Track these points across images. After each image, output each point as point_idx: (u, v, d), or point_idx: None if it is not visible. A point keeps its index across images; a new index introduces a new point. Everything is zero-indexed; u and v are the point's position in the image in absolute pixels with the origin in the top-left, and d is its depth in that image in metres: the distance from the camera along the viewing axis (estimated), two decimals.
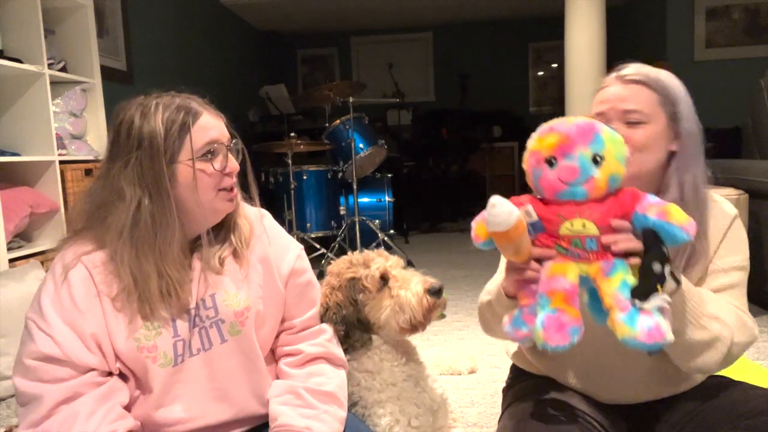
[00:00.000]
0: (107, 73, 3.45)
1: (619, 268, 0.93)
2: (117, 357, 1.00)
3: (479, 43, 7.99)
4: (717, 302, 1.07)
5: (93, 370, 0.97)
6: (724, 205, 1.18)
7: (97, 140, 3.14)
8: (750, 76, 3.66)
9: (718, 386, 1.12)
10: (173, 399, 1.02)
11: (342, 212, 4.52)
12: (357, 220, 4.23)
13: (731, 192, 2.44)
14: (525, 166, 1.02)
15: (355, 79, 7.79)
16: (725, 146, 4.42)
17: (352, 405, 1.23)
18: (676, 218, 0.91)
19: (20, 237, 2.62)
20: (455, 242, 5.14)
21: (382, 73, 6.12)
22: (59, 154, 2.75)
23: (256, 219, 1.14)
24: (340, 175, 4.48)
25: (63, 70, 2.93)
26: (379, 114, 6.87)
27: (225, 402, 1.06)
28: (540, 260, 0.99)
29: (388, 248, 4.54)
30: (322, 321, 1.21)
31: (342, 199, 4.62)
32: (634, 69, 1.14)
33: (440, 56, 8.14)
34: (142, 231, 0.97)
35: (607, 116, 1.12)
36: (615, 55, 4.30)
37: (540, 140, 0.99)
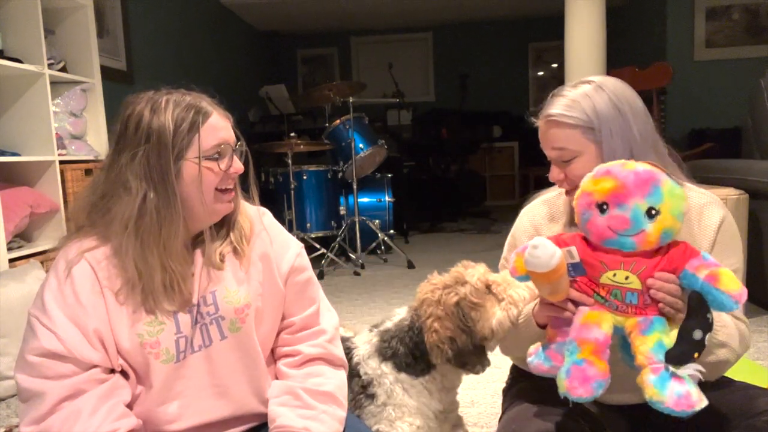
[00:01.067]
0: (107, 73, 3.45)
1: (656, 327, 0.91)
2: (119, 353, 1.00)
3: (479, 43, 7.99)
4: (725, 328, 1.06)
5: (96, 366, 0.97)
6: (710, 210, 1.15)
7: (97, 140, 3.14)
8: (750, 76, 3.66)
9: (718, 386, 1.12)
10: (174, 396, 1.02)
11: (342, 212, 4.52)
12: (357, 220, 4.23)
13: (731, 192, 2.44)
14: (575, 203, 0.99)
15: (355, 79, 7.79)
16: (725, 146, 4.42)
17: (383, 405, 1.23)
18: (726, 285, 0.88)
19: (20, 237, 2.62)
20: (455, 242, 5.14)
21: (382, 73, 6.12)
22: (59, 154, 2.75)
23: (256, 217, 1.15)
24: (340, 175, 4.48)
25: (63, 70, 2.93)
26: (379, 114, 6.88)
27: (224, 399, 1.06)
28: (576, 302, 0.98)
29: (388, 248, 4.54)
30: (434, 359, 1.18)
31: (342, 199, 4.62)
32: (554, 106, 1.13)
33: (440, 56, 8.14)
34: (147, 224, 0.97)
35: (550, 158, 1.16)
36: (615, 55, 4.31)
37: (595, 182, 0.95)
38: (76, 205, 1.06)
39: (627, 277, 0.92)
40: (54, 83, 2.84)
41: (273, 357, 1.15)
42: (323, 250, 4.11)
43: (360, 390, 1.26)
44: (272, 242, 1.12)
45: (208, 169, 1.00)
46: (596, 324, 0.93)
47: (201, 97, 1.04)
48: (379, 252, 4.55)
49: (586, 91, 1.12)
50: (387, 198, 4.71)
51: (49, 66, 2.74)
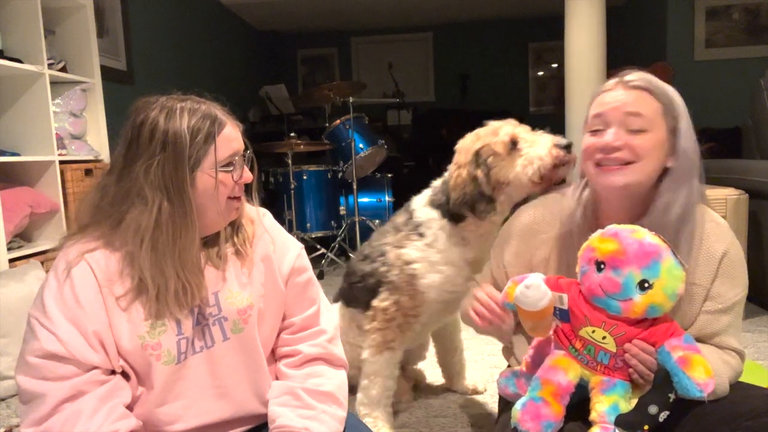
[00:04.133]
0: (107, 73, 3.44)
1: (617, 391, 0.95)
2: (120, 354, 1.00)
3: (479, 43, 7.98)
4: (719, 377, 1.02)
5: (96, 368, 0.97)
6: (712, 240, 1.11)
7: (97, 140, 3.14)
8: (750, 76, 3.66)
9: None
10: (175, 396, 1.02)
11: (342, 212, 4.52)
12: (357, 220, 4.23)
13: (731, 192, 2.44)
14: (579, 254, 1.02)
15: (355, 79, 7.78)
16: (725, 146, 4.42)
17: (428, 246, 1.54)
18: (695, 372, 0.90)
19: (20, 237, 2.62)
20: None
21: (382, 73, 6.12)
22: (59, 154, 2.75)
23: (258, 219, 1.15)
24: (340, 175, 4.48)
25: (63, 70, 2.93)
26: (379, 114, 6.87)
27: (225, 400, 1.06)
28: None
29: None
30: (452, 202, 1.45)
31: (342, 199, 4.62)
32: (638, 75, 1.10)
33: (440, 56, 8.14)
34: (163, 235, 0.97)
35: (607, 118, 1.08)
36: (615, 55, 4.32)
37: (601, 240, 0.98)
38: (81, 206, 1.05)
39: (604, 337, 0.96)
40: (54, 83, 2.84)
41: (273, 357, 1.15)
42: (323, 250, 4.11)
43: (413, 228, 1.57)
44: (273, 243, 1.13)
45: (222, 181, 1.01)
46: (563, 370, 0.98)
47: (214, 106, 1.04)
48: None
49: (665, 84, 1.11)
50: (387, 198, 4.71)
51: (49, 66, 2.74)
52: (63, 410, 0.94)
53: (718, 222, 1.14)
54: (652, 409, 0.92)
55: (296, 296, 1.14)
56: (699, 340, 1.09)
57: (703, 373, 0.91)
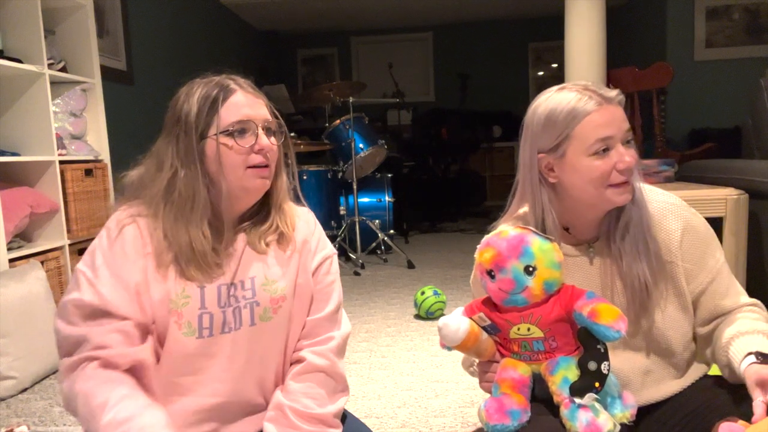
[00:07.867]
0: (107, 73, 3.44)
1: (561, 366, 1.01)
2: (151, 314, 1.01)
3: (479, 43, 7.99)
4: (758, 321, 1.06)
5: (129, 319, 0.98)
6: (669, 223, 1.12)
7: (97, 140, 3.14)
8: (750, 76, 3.66)
9: (718, 386, 1.11)
10: (195, 371, 1.02)
11: (342, 212, 4.52)
12: (357, 220, 4.23)
13: (731, 192, 2.44)
14: (475, 272, 1.09)
15: (355, 79, 7.79)
16: (725, 146, 4.42)
17: None
18: (604, 318, 0.96)
19: (20, 237, 2.63)
20: (455, 242, 5.14)
21: (382, 73, 6.12)
22: (59, 154, 2.75)
23: (305, 214, 1.18)
24: (340, 175, 4.48)
25: (63, 70, 2.93)
26: (379, 114, 6.87)
27: (232, 384, 1.05)
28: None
29: (388, 248, 4.54)
30: None
31: (342, 199, 4.62)
32: (616, 91, 1.09)
33: (440, 56, 8.14)
34: (176, 200, 1.01)
35: (615, 138, 1.05)
36: (615, 55, 4.31)
37: (480, 254, 1.07)
38: (127, 179, 1.10)
39: (529, 329, 1.03)
40: (54, 83, 2.84)
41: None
42: None
43: None
44: (312, 235, 1.15)
45: (226, 145, 1.01)
46: (513, 367, 1.05)
47: (233, 78, 1.07)
48: (379, 252, 4.55)
49: None
50: (387, 198, 4.71)
51: (49, 66, 2.74)
52: (95, 360, 0.95)
53: (663, 202, 1.14)
54: (592, 366, 0.97)
55: (316, 294, 1.13)
56: (716, 318, 1.11)
57: (611, 315, 0.96)
